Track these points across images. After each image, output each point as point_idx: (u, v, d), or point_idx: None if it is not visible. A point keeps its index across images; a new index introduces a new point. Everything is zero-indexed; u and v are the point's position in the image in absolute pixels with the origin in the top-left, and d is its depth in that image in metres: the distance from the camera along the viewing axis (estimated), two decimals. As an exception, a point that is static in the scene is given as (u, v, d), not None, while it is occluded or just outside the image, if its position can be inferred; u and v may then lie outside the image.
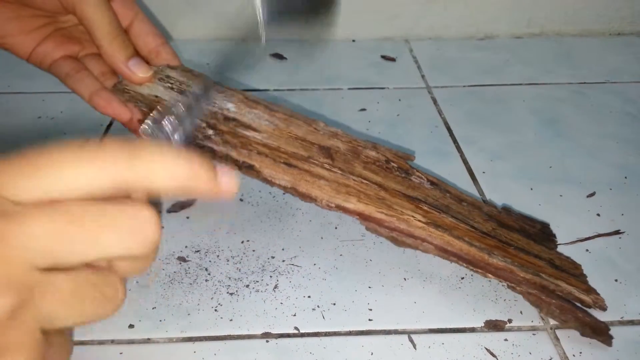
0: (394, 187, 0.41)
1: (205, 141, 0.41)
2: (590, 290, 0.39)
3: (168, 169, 0.19)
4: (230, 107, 0.43)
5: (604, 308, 0.39)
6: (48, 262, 0.18)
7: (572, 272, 0.40)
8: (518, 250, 0.40)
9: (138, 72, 0.44)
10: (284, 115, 0.43)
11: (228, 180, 0.21)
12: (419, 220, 0.39)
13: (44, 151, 0.18)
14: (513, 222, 0.43)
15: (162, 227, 0.39)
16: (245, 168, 0.40)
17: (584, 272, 0.41)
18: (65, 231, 0.18)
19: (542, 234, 0.44)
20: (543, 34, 0.76)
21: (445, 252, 0.39)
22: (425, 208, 0.40)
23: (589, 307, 0.38)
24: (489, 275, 0.38)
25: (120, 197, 0.19)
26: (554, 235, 0.44)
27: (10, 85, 0.61)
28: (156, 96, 0.44)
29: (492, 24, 0.75)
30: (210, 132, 0.41)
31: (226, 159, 0.41)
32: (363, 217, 0.40)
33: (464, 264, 0.39)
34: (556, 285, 0.38)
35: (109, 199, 0.19)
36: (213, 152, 0.42)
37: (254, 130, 0.42)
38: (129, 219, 0.19)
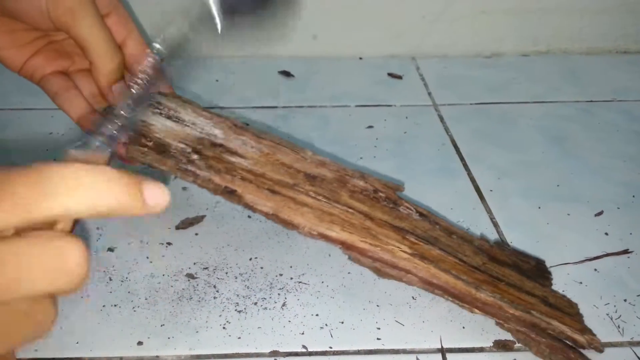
0: (381, 217, 0.40)
1: (188, 165, 0.41)
2: (585, 330, 0.38)
3: (87, 196, 0.18)
4: (218, 134, 0.43)
5: (599, 350, 0.37)
6: None
7: (567, 310, 0.39)
8: (509, 286, 0.39)
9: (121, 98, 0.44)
10: (272, 142, 0.43)
11: (155, 194, 0.19)
12: (404, 251, 0.38)
13: None
14: (506, 257, 0.42)
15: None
16: (228, 193, 0.40)
17: (592, 290, 0.41)
18: None
19: (537, 270, 0.43)
20: (549, 52, 0.76)
21: (430, 285, 0.38)
22: (412, 239, 0.40)
23: (583, 347, 0.37)
24: (476, 310, 0.38)
25: (43, 228, 0.18)
26: (549, 272, 0.43)
27: (22, 102, 0.62)
28: (144, 121, 0.43)
29: (499, 42, 0.75)
30: (195, 157, 0.41)
31: (208, 183, 0.41)
32: (346, 246, 0.39)
33: (450, 298, 0.38)
34: (548, 324, 0.37)
35: (33, 231, 0.18)
36: (195, 176, 0.42)
37: (240, 156, 0.42)
38: (54, 255, 0.18)
